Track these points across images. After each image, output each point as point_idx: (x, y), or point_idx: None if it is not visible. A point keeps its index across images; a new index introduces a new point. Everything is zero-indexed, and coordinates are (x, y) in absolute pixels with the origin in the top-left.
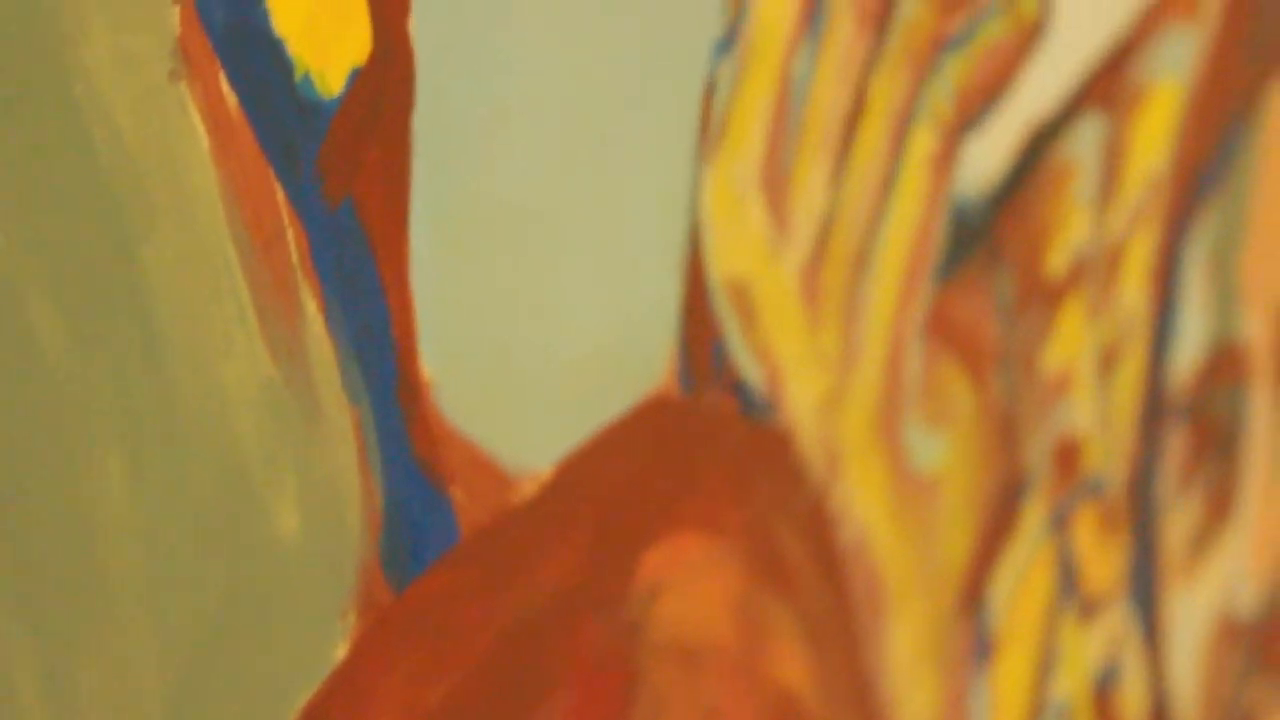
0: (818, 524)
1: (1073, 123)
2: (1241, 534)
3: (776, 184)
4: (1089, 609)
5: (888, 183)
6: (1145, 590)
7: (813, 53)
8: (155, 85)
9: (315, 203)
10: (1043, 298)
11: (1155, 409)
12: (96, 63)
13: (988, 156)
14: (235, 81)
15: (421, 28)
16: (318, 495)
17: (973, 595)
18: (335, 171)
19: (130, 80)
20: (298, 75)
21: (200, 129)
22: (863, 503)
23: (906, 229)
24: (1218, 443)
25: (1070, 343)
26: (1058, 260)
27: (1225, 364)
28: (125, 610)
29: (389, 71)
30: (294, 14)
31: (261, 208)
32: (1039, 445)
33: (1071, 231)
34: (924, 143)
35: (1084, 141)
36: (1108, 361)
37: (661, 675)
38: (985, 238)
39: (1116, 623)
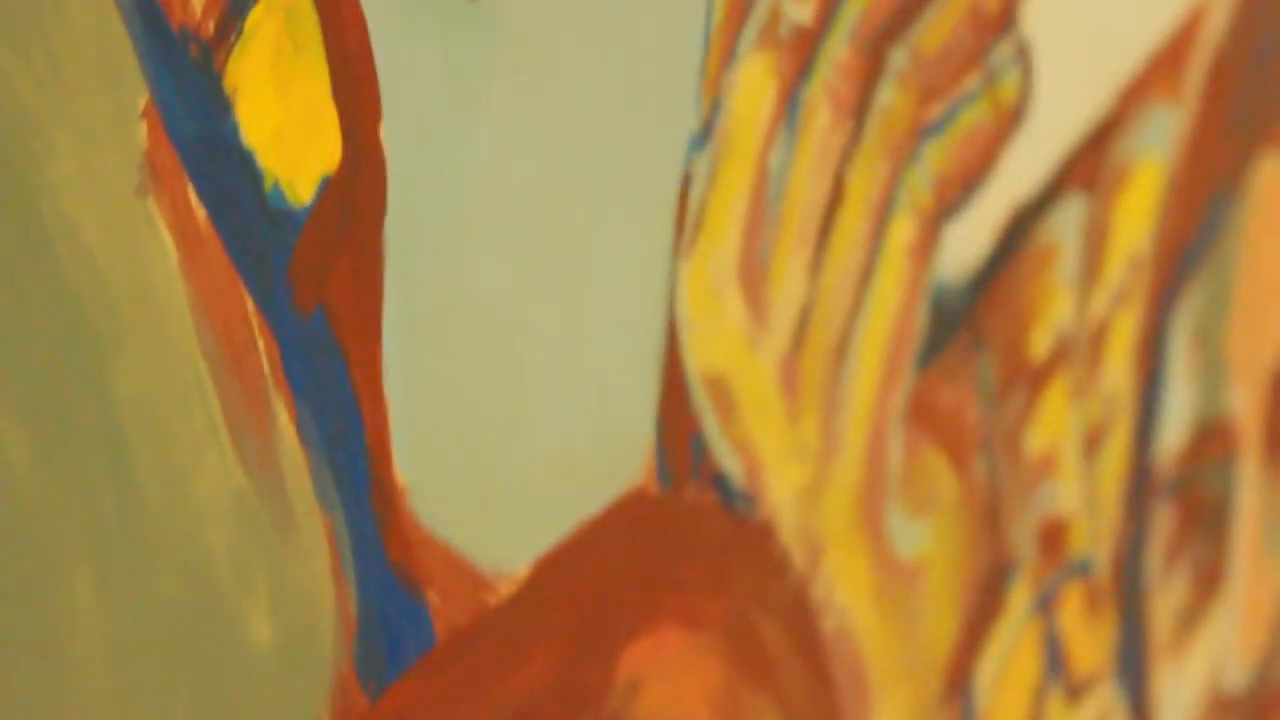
0: (800, 614)
1: (1054, 204)
2: (1230, 609)
3: (754, 276)
4: (1077, 690)
5: (867, 271)
6: (1133, 669)
7: (790, 144)
8: (123, 200)
9: (286, 312)
10: (1026, 380)
11: (1141, 487)
12: (63, 179)
13: (968, 241)
14: (204, 194)
15: (391, 133)
16: (291, 604)
17: (958, 680)
18: (306, 280)
19: (98, 196)
20: (267, 185)
21: (169, 242)
22: (845, 591)
23: (886, 317)
24: (1205, 519)
25: (1054, 424)
26: (1040, 342)
27: (1212, 439)
28: None
29: (360, 179)
30: (263, 125)
31: (232, 319)
32: (1024, 527)
33: (1054, 312)
34: (903, 230)
35: (1066, 222)
36: (1092, 441)
37: None
38: (966, 322)
39: (1105, 702)
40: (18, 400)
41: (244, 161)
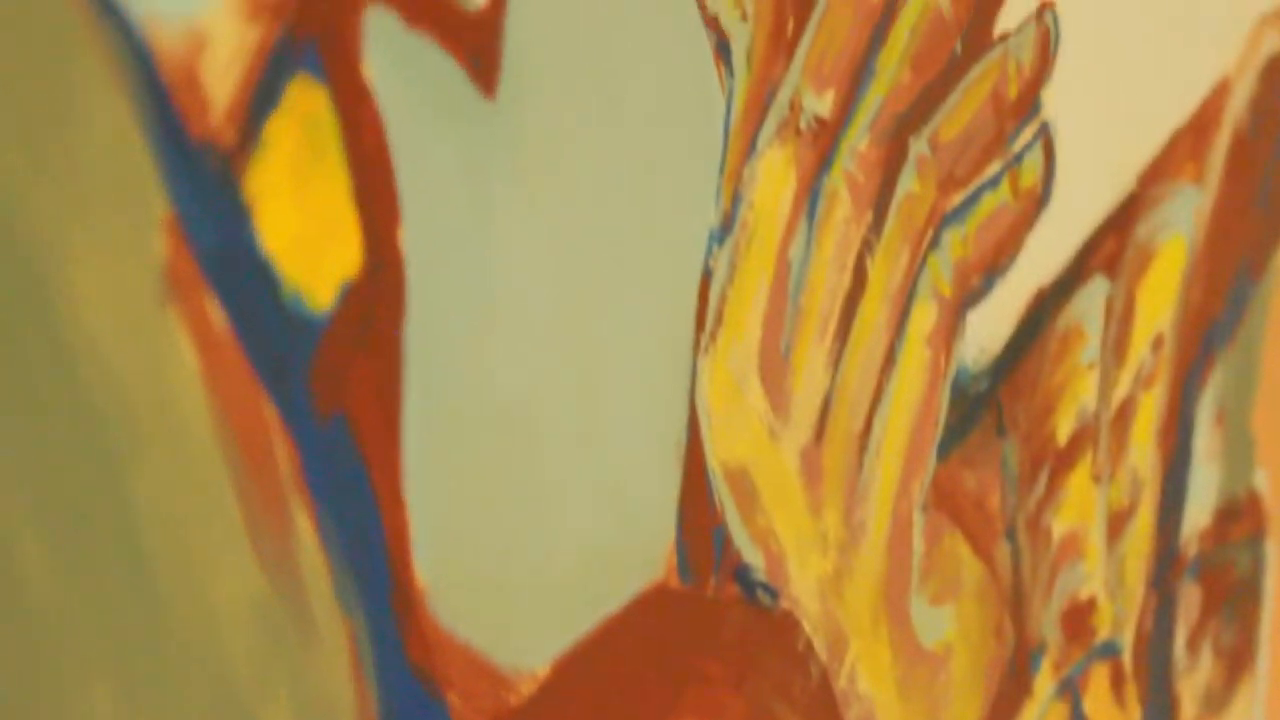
0: (823, 706)
1: (1077, 287)
2: (1257, 689)
3: (776, 368)
4: None
5: (889, 359)
6: None
7: (810, 236)
8: (142, 309)
9: (306, 418)
10: (1049, 463)
11: (1166, 567)
12: (82, 288)
13: (990, 326)
14: (224, 302)
15: (411, 236)
16: (312, 709)
17: None
18: (326, 386)
19: (116, 305)
20: (287, 292)
21: (188, 351)
22: (869, 681)
23: (908, 405)
24: (1231, 598)
25: (1078, 506)
26: (1064, 424)
27: (1238, 517)
28: None
29: (379, 283)
30: (282, 232)
31: (251, 426)
32: (1048, 610)
33: (1077, 395)
34: (925, 317)
35: (1089, 305)
36: (1117, 522)
37: None
38: (989, 407)
39: None
40: (35, 510)
41: (263, 269)
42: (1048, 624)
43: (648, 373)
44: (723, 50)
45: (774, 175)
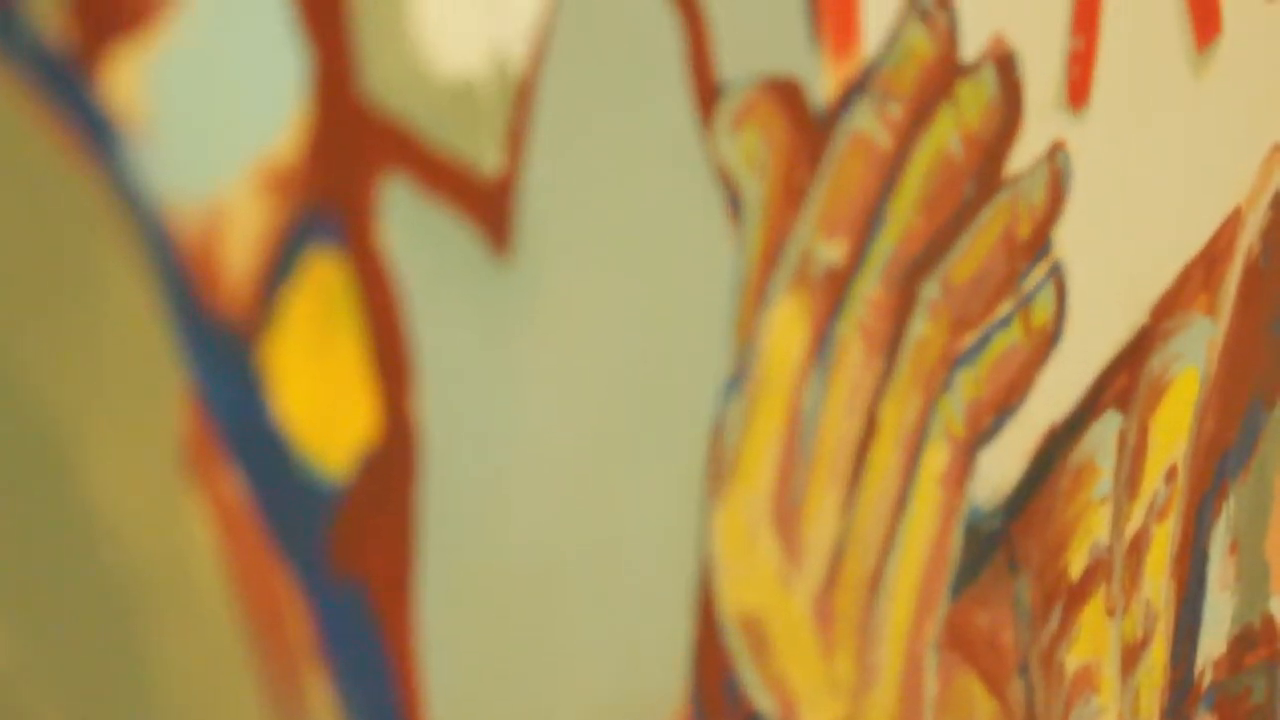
0: None
1: (1089, 423)
2: None
3: (788, 515)
4: None
5: (900, 503)
6: None
7: (822, 383)
8: (160, 485)
9: (322, 587)
10: (1062, 598)
11: (1182, 698)
12: (100, 466)
13: (1002, 465)
14: (241, 474)
15: (427, 402)
16: None
17: None
18: (343, 554)
19: (134, 482)
20: (304, 462)
21: (206, 524)
22: None
23: (920, 547)
24: None
25: (1092, 640)
26: (1077, 559)
27: (1253, 645)
28: None
29: (396, 450)
30: (300, 401)
31: (268, 597)
32: None
33: (1090, 530)
34: (936, 459)
35: (1101, 440)
36: (1131, 654)
37: None
38: (1002, 545)
39: None
40: (55, 685)
41: (280, 440)
42: None
43: (661, 525)
44: (734, 202)
45: (786, 325)
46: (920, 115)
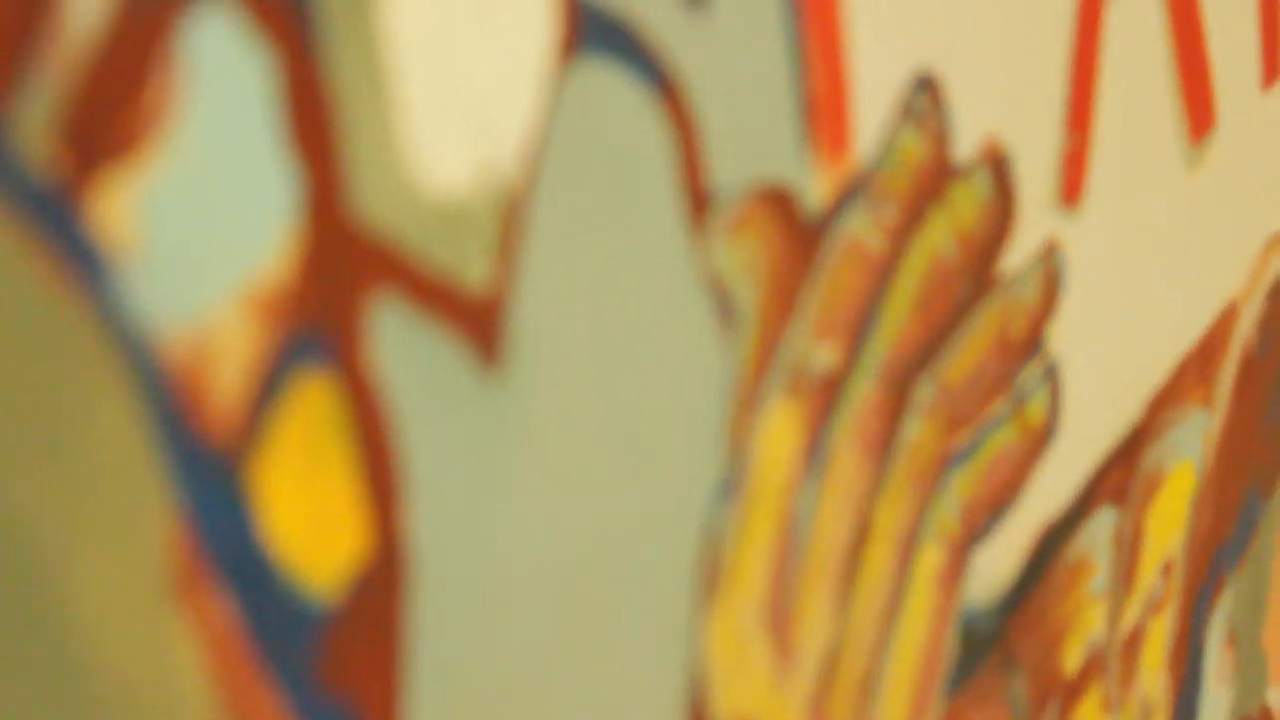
0: None
1: (1084, 519)
2: None
3: (780, 619)
4: None
5: (895, 604)
6: None
7: (816, 486)
8: (148, 611)
9: (313, 709)
10: (1058, 695)
11: None
12: (88, 593)
13: (997, 563)
14: (230, 597)
15: (418, 522)
16: None
17: None
18: (333, 676)
19: (122, 608)
20: (293, 584)
21: (195, 649)
22: None
23: (915, 648)
24: None
25: None
26: (1073, 656)
27: None
28: None
29: (386, 571)
30: (289, 523)
31: (256, 718)
32: None
33: (1086, 626)
34: (931, 560)
35: (1097, 536)
36: None
37: None
38: (997, 644)
39: None
40: None
41: (269, 562)
42: None
43: (654, 633)
44: (726, 309)
45: (778, 430)
46: (913, 217)
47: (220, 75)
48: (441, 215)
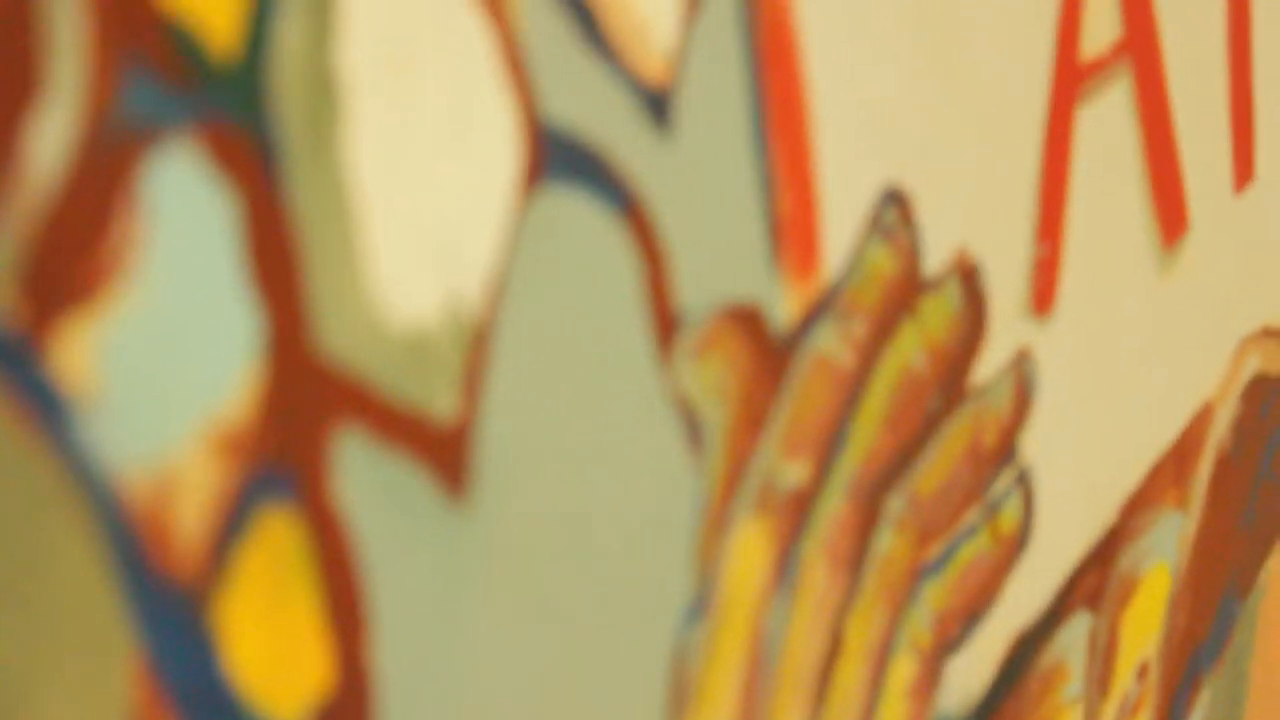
0: None
1: (1058, 626)
2: None
3: None
4: None
5: (867, 718)
6: None
7: (786, 604)
8: None
9: None
10: None
11: None
12: None
13: (971, 673)
14: None
15: (383, 654)
16: None
17: None
18: None
19: None
20: (257, 717)
21: None
22: None
23: None
24: None
25: None
26: None
27: None
28: None
29: (349, 702)
30: (252, 660)
31: None
32: None
33: None
34: (903, 671)
35: (1071, 641)
36: None
37: None
38: None
39: None
40: None
41: (233, 700)
42: None
43: None
44: (694, 429)
45: (748, 548)
46: (883, 331)
47: (182, 214)
48: (406, 348)
